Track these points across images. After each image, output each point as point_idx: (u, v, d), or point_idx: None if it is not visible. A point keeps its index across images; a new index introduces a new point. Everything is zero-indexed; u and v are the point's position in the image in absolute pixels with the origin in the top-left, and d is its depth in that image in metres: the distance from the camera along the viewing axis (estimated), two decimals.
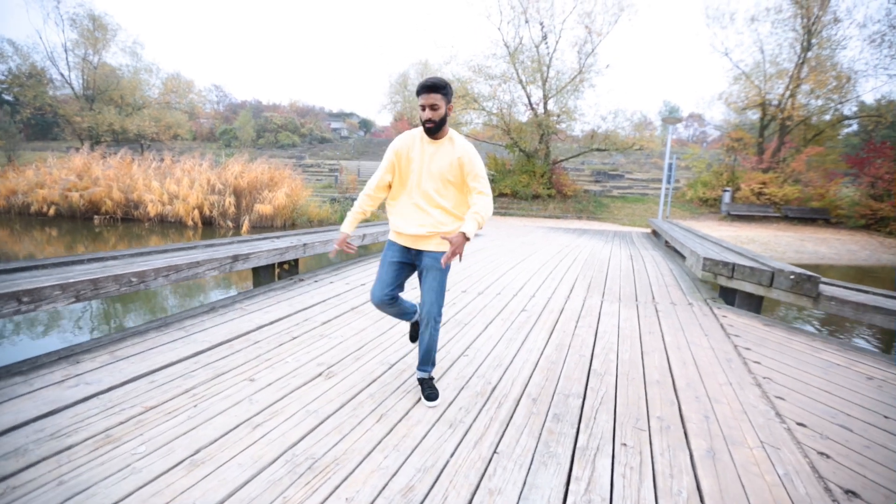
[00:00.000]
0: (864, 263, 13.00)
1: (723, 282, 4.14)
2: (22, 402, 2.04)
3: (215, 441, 1.82)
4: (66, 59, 27.84)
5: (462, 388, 2.40)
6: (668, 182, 14.65)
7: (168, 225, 13.97)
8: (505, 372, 2.61)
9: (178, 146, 31.17)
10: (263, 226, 14.12)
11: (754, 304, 4.00)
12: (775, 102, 18.70)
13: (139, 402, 2.10)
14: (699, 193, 19.78)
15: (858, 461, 1.89)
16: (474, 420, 2.08)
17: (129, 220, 14.38)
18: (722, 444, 1.96)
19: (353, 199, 17.31)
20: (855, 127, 23.16)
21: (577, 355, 2.90)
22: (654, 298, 4.36)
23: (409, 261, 2.23)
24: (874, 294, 3.37)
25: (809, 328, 5.90)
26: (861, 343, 5.42)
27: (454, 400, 2.26)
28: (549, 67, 18.86)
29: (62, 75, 28.18)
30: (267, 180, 14.76)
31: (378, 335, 3.11)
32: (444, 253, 2.13)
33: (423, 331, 2.22)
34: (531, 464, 1.78)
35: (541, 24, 18.49)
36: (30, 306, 2.40)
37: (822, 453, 1.94)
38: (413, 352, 2.85)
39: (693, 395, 2.40)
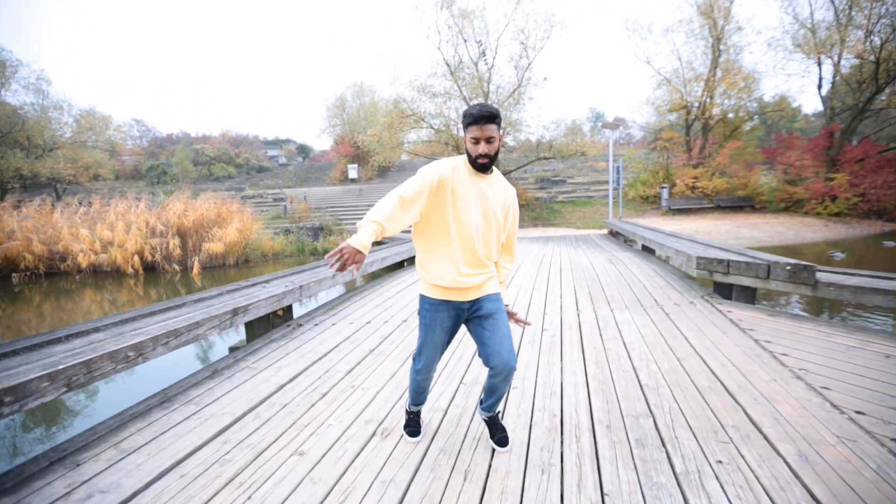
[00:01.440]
0: (791, 243, 14.38)
1: (718, 278, 4.34)
2: None
3: None
4: None
5: (530, 425, 2.27)
6: (617, 184, 15.46)
7: (104, 275, 12.64)
8: (562, 400, 2.51)
9: (101, 187, 28.61)
10: (215, 265, 13.18)
11: (749, 296, 4.22)
12: (696, 104, 20.46)
13: None
14: (640, 192, 21.07)
15: None
16: (562, 460, 1.95)
17: (54, 274, 12.85)
18: (806, 445, 1.98)
19: (307, 228, 16.66)
20: (757, 120, 25.78)
21: (621, 371, 2.87)
22: (656, 301, 4.48)
23: (458, 323, 1.93)
24: (866, 276, 3.66)
25: (802, 313, 6.31)
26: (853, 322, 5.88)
27: (529, 440, 2.13)
28: (489, 83, 19.42)
29: None
30: (214, 217, 13.84)
31: None
32: (497, 294, 1.93)
33: (499, 384, 1.93)
34: (644, 500, 1.68)
35: (478, 41, 19.06)
36: (13, 407, 1.98)
37: (894, 439, 2.00)
38: (459, 391, 2.67)
39: (751, 398, 2.43)
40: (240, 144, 46.05)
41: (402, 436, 2.21)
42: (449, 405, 2.50)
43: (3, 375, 2.10)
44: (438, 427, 2.28)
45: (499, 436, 2.07)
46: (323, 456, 2.06)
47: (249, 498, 1.79)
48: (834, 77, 18.44)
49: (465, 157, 1.83)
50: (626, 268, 6.54)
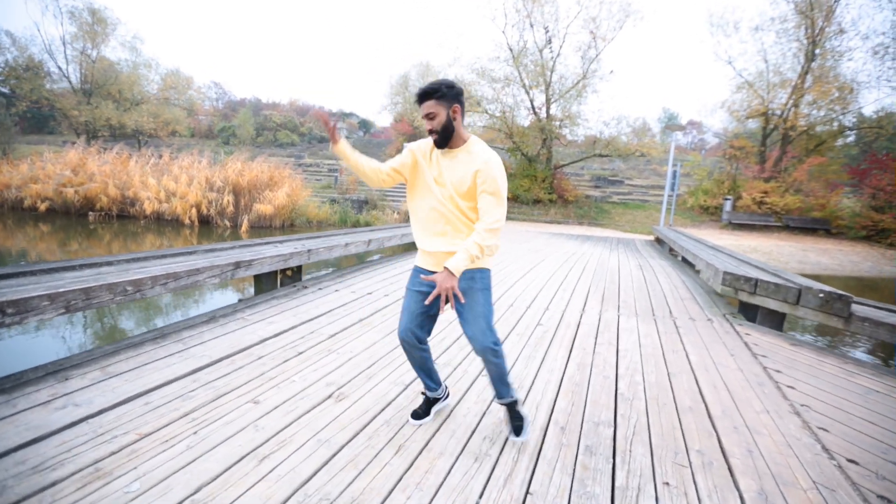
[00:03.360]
0: (867, 275, 12.95)
1: (744, 297, 3.99)
2: (3, 427, 1.84)
3: (218, 476, 1.64)
4: (65, 52, 27.50)
5: (484, 413, 2.23)
6: (672, 189, 14.57)
7: (164, 223, 13.72)
8: (527, 395, 2.43)
9: (175, 143, 30.85)
10: (262, 226, 13.90)
11: (777, 322, 3.85)
12: (778, 112, 18.68)
13: (133, 427, 1.91)
14: (700, 201, 19.73)
15: None
16: (501, 452, 1.90)
17: (124, 217, 14.12)
18: (773, 484, 1.80)
19: (353, 200, 17.12)
20: (852, 138, 23.19)
21: (602, 376, 2.73)
22: (671, 313, 4.21)
23: (430, 293, 1.87)
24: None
25: (826, 346, 5.77)
26: (865, 357, 5.30)
27: (476, 427, 2.09)
28: (552, 72, 18.76)
29: (60, 68, 27.84)
30: (267, 179, 14.55)
31: (389, 350, 2.93)
32: (481, 271, 1.88)
33: (486, 365, 1.94)
34: None
35: (545, 28, 18.41)
36: (14, 318, 2.20)
37: (881, 497, 1.77)
38: (443, 370, 2.66)
39: (731, 426, 2.23)
40: (306, 114, 47.81)
41: (355, 402, 2.24)
42: (412, 382, 2.51)
43: (12, 289, 2.35)
44: (393, 400, 2.30)
45: (516, 423, 1.99)
46: (275, 408, 2.14)
47: (195, 433, 1.90)
48: None
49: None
50: (654, 276, 6.18)
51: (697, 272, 6.30)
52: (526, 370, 2.76)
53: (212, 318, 3.28)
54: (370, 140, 43.94)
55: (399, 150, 32.29)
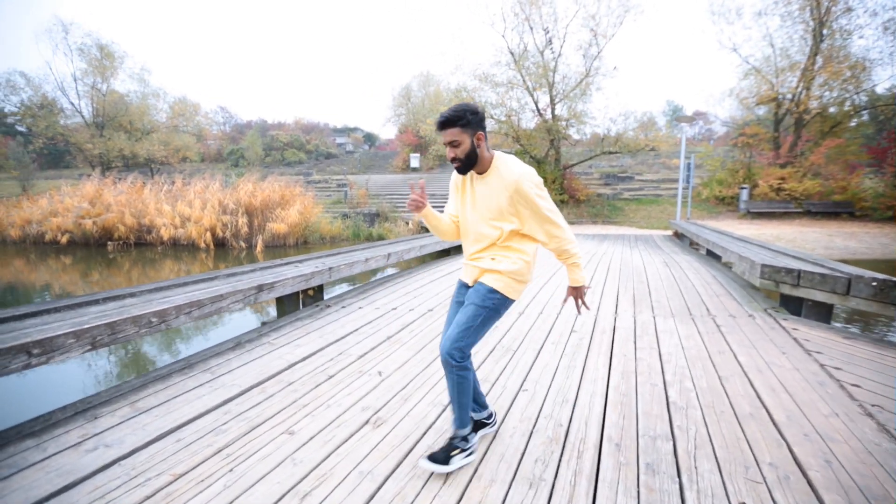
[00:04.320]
0: None
1: (786, 290, 3.79)
2: (34, 474, 1.77)
3: None
4: (76, 88, 28.33)
5: (531, 432, 2.09)
6: (687, 182, 14.28)
7: (181, 248, 13.86)
8: (574, 409, 2.29)
9: (187, 168, 31.40)
10: (276, 245, 13.96)
11: (824, 314, 3.65)
12: (789, 96, 18.28)
13: (167, 467, 1.82)
14: (715, 192, 19.33)
15: None
16: (556, 475, 1.77)
17: (142, 245, 14.31)
18: (862, 499, 1.63)
19: (364, 214, 17.13)
20: (866, 117, 22.57)
21: (649, 384, 2.58)
22: (709, 311, 4.02)
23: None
24: None
25: (891, 339, 5.49)
26: None
27: (526, 449, 1.96)
28: (554, 72, 18.66)
29: (72, 104, 28.65)
30: (278, 199, 14.64)
31: (423, 369, 2.81)
32: (501, 297, 1.80)
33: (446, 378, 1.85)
34: None
35: (544, 29, 18.36)
36: (41, 359, 2.14)
37: None
38: (480, 387, 2.54)
39: (801, 433, 2.06)
40: (311, 131, 48.42)
41: (394, 427, 2.13)
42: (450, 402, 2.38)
43: (37, 329, 2.29)
44: (434, 422, 2.18)
45: (433, 452, 1.81)
46: (311, 438, 2.04)
47: (231, 471, 1.80)
48: None
49: None
50: (683, 272, 5.97)
51: (726, 266, 6.07)
52: (568, 381, 2.62)
53: (237, 343, 3.21)
54: (376, 153, 44.23)
55: (405, 161, 32.42)
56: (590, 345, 3.22)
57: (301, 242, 14.52)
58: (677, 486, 1.71)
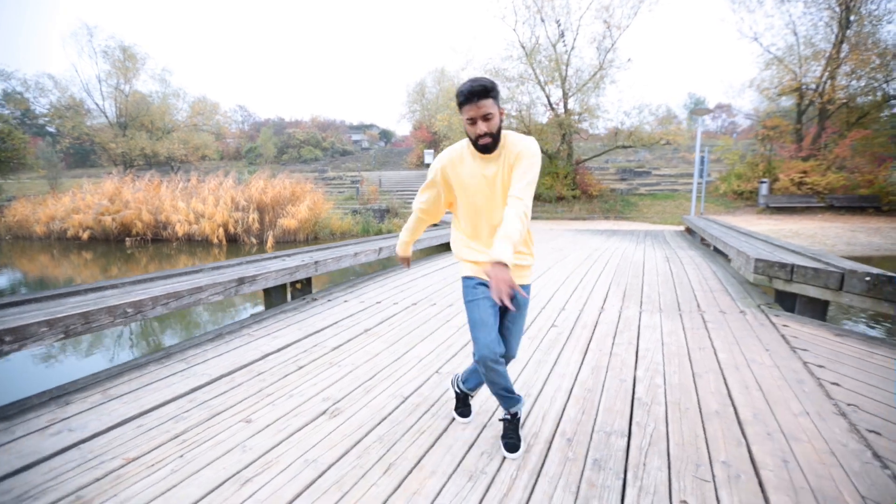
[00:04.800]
0: None
1: (780, 285, 3.66)
2: None
3: (197, 502, 1.56)
4: (100, 89, 29.25)
5: (485, 425, 2.08)
6: (701, 176, 13.89)
7: (195, 244, 14.21)
8: (534, 404, 2.27)
9: (206, 166, 32.14)
10: (287, 240, 14.18)
11: (819, 310, 3.51)
12: (813, 86, 17.58)
13: (122, 452, 1.88)
14: (733, 186, 18.77)
15: None
16: (498, 469, 1.75)
17: (158, 241, 14.73)
18: (811, 500, 1.56)
19: (374, 210, 17.25)
20: None
21: (618, 380, 2.53)
22: (699, 307, 3.92)
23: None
24: None
25: (880, 336, 5.28)
26: None
27: (475, 442, 1.94)
28: (567, 66, 18.37)
29: (97, 105, 29.61)
30: (289, 195, 14.86)
31: (392, 361, 2.82)
32: (526, 287, 1.84)
33: (492, 376, 1.76)
34: None
35: (557, 21, 18.08)
36: (13, 346, 2.23)
37: None
38: (431, 379, 2.54)
39: (764, 431, 1.99)
40: (327, 129, 48.84)
41: (350, 417, 2.14)
42: (412, 393, 2.39)
43: (14, 317, 2.38)
44: (390, 414, 2.18)
45: (508, 440, 1.86)
46: (267, 426, 2.07)
47: (181, 456, 1.85)
48: None
49: (467, 141, 1.71)
50: (682, 268, 5.82)
51: (730, 262, 5.89)
52: (535, 375, 2.59)
53: (218, 335, 3.27)
54: (391, 150, 44.38)
55: (419, 157, 32.48)
56: (567, 340, 3.17)
57: (311, 238, 14.71)
58: (621, 482, 1.68)
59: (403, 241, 2.08)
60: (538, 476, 1.71)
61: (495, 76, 18.33)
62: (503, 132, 1.68)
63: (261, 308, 4.53)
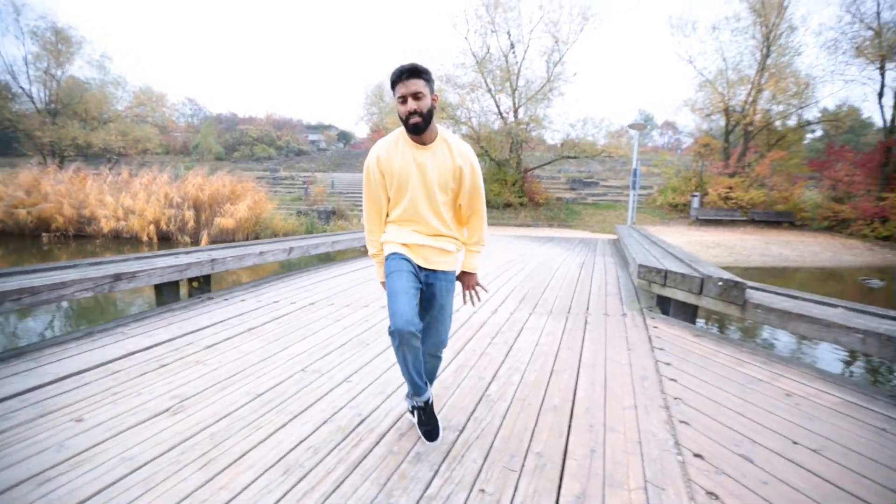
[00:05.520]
0: (827, 265, 13.13)
1: (657, 289, 3.93)
2: None
3: None
4: (27, 72, 27.03)
5: (326, 421, 2.10)
6: (634, 188, 14.68)
7: (123, 241, 13.40)
8: (385, 400, 2.31)
9: (149, 160, 30.40)
10: (224, 240, 13.65)
11: (689, 313, 3.79)
12: (738, 108, 19.03)
13: None
14: (669, 199, 19.95)
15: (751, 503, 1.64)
16: (319, 463, 1.77)
17: (82, 237, 13.77)
18: (598, 486, 1.69)
19: (320, 211, 16.95)
20: (819, 132, 23.76)
21: (476, 378, 2.62)
22: (587, 309, 4.13)
23: (421, 282, 1.84)
24: (803, 300, 3.18)
25: (733, 337, 5.76)
26: (785, 352, 5.32)
27: (308, 437, 1.96)
28: (517, 76, 18.90)
29: (22, 89, 27.32)
30: (228, 193, 14.33)
31: (262, 359, 2.79)
32: (454, 273, 1.94)
33: (427, 361, 1.97)
34: None
35: (508, 33, 18.58)
36: None
37: (710, 493, 1.68)
38: (293, 377, 2.53)
39: (587, 424, 2.13)
40: (283, 127, 47.56)
41: (191, 415, 2.10)
42: (267, 391, 2.37)
43: None
44: (235, 411, 2.15)
45: (426, 427, 1.96)
46: (98, 425, 1.99)
47: None
48: None
49: (401, 129, 1.75)
50: (591, 273, 6.12)
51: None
52: (394, 374, 2.64)
53: (88, 333, 3.11)
54: (349, 152, 43.76)
55: None
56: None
57: (251, 237, 14.24)
58: (432, 474, 1.74)
59: (380, 272, 1.97)
60: (354, 469, 1.75)
61: (447, 82, 18.57)
62: (443, 130, 1.77)
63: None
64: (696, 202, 18.53)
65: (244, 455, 1.81)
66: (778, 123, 18.63)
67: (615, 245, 11.14)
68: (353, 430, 2.03)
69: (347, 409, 2.22)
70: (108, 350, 2.85)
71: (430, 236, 1.82)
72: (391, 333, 1.69)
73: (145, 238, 13.14)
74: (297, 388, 2.42)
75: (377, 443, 1.93)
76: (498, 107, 19.09)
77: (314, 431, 2.01)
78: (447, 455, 1.87)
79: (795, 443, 2.03)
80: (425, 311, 1.90)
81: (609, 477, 1.75)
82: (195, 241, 13.39)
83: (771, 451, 1.96)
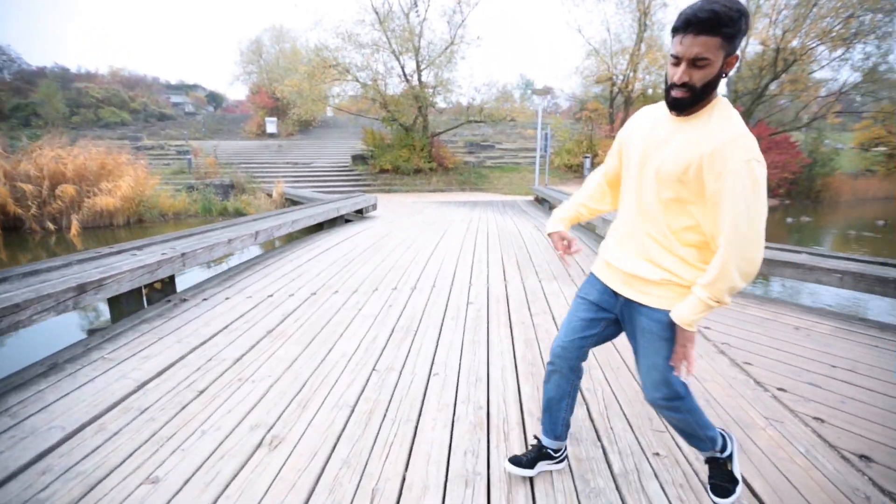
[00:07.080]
0: None
1: None
2: None
3: None
4: None
5: (453, 421, 1.95)
6: (545, 151, 15.58)
7: None
8: (489, 388, 2.22)
9: None
10: (100, 225, 11.31)
11: None
12: (620, 77, 21.08)
13: None
14: (565, 160, 21.62)
15: (848, 421, 1.95)
16: (488, 466, 1.66)
17: None
18: (738, 430, 1.87)
19: (216, 185, 14.93)
20: None
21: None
22: (583, 271, 4.38)
23: (609, 309, 1.42)
24: (777, 249, 3.78)
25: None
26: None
27: (452, 442, 1.81)
28: (420, 37, 18.29)
29: None
30: (97, 168, 11.77)
31: (317, 365, 2.45)
32: (668, 313, 1.26)
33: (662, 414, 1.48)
34: None
35: None
36: None
37: (817, 418, 1.97)
38: (371, 380, 2.28)
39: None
40: (135, 87, 39.85)
41: (296, 445, 1.77)
42: (358, 399, 2.10)
43: None
44: (343, 430, 1.88)
45: (713, 482, 1.51)
46: (186, 482, 1.58)
47: None
48: (740, 61, 19.82)
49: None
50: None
51: (588, 228, 6.75)
52: (476, 358, 2.55)
53: (52, 365, 2.39)
54: (223, 116, 38.58)
55: (260, 126, 28.99)
56: (488, 316, 3.20)
57: (134, 221, 12.05)
58: (601, 451, 1.75)
59: (558, 218, 1.53)
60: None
61: (348, 41, 17.25)
62: (721, 102, 1.18)
63: (106, 320, 3.49)
64: (588, 163, 20.39)
65: (405, 475, 1.61)
66: (650, 91, 21.14)
67: (539, 206, 11.83)
68: (490, 425, 1.92)
69: (462, 404, 2.08)
70: (107, 385, 2.23)
71: (629, 251, 1.58)
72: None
73: None
74: (387, 391, 2.19)
75: (523, 432, 1.86)
76: (402, 69, 18.38)
77: (452, 436, 1.85)
78: (595, 431, 1.88)
79: (833, 366, 2.46)
80: (635, 353, 1.58)
81: (739, 420, 1.94)
82: (59, 229, 10.88)
83: (824, 376, 2.35)
